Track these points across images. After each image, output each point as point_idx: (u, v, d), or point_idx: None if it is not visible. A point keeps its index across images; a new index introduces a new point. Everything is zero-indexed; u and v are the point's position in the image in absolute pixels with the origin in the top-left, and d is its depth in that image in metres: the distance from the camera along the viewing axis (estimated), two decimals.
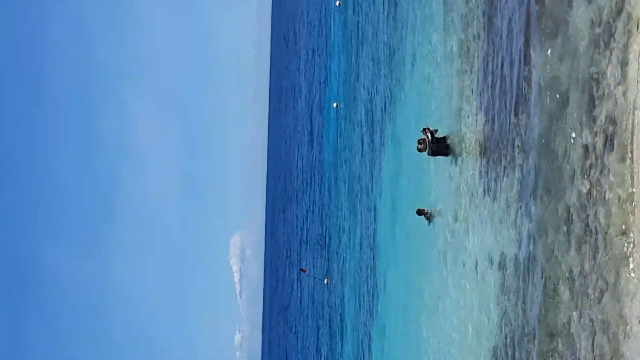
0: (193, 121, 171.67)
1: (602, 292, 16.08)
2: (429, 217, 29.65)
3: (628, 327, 14.98)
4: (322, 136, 59.94)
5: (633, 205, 15.16)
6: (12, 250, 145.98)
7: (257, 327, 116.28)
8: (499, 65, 22.48)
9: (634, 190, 15.18)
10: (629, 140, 15.44)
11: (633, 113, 15.30)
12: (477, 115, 24.38)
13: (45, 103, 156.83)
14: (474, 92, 24.76)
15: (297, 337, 68.07)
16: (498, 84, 22.48)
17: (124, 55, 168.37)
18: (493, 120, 22.81)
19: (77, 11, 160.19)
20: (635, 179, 15.14)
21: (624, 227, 15.45)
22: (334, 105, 54.33)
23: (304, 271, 63.22)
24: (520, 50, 20.93)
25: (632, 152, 15.32)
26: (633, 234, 15.12)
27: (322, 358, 53.94)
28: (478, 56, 24.53)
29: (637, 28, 15.33)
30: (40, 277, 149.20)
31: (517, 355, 20.45)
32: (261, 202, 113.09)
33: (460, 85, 26.24)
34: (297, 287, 69.47)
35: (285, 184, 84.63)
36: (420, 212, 30.07)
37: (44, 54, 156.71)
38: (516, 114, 21.05)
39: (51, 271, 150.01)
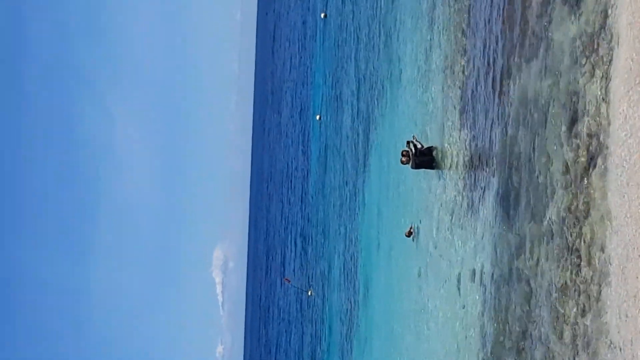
0: (175, 129, 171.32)
1: (584, 308, 16.19)
2: (412, 231, 29.66)
3: (608, 340, 15.11)
4: (306, 147, 59.98)
5: (611, 221, 15.30)
6: None
7: (239, 339, 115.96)
8: (482, 80, 22.62)
9: (611, 203, 15.32)
10: (609, 156, 15.60)
11: (612, 131, 15.46)
12: (460, 129, 24.50)
13: (26, 107, 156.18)
14: (457, 107, 24.90)
15: (280, 350, 67.95)
16: (481, 99, 22.61)
17: (106, 59, 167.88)
18: (476, 135, 22.93)
19: (59, 16, 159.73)
20: (615, 199, 15.28)
21: (603, 242, 15.59)
22: (317, 117, 54.42)
23: (288, 281, 63.11)
24: (503, 66, 21.08)
25: (612, 172, 15.47)
26: (611, 249, 15.26)
27: None
28: (462, 72, 24.67)
29: (618, 44, 15.49)
30: (20, 282, 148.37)
31: None
32: (244, 213, 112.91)
33: (444, 100, 26.36)
34: (280, 299, 69.37)
35: (269, 196, 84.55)
36: (409, 234, 30.02)
37: (25, 57, 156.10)
38: (499, 130, 21.18)
39: (31, 276, 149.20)
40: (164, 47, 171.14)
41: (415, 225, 29.41)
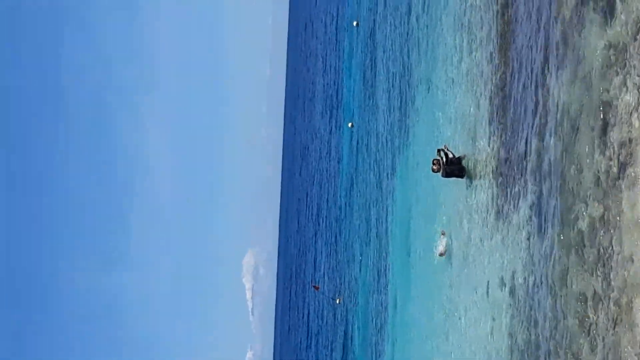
0: (206, 137, 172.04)
1: (615, 318, 16.11)
2: (445, 250, 29.53)
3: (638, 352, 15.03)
4: (337, 154, 60.09)
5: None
6: (29, 260, 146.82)
7: (269, 345, 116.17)
8: (514, 89, 22.59)
9: None
10: None
11: None
12: (491, 138, 24.47)
13: (63, 117, 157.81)
14: (488, 116, 24.87)
15: (309, 357, 67.99)
16: (512, 107, 22.59)
17: (140, 70, 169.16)
18: (506, 144, 22.89)
19: (95, 29, 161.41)
20: None
21: (633, 252, 15.52)
22: (350, 125, 54.46)
23: (317, 288, 63.22)
24: (535, 75, 21.03)
25: None
26: None
27: None
28: (493, 80, 24.64)
29: None
30: (56, 287, 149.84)
31: None
32: (274, 220, 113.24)
33: (475, 109, 26.34)
34: (310, 305, 69.44)
35: (299, 203, 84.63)
36: (441, 254, 29.92)
37: (64, 69, 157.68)
38: (530, 138, 21.14)
39: (67, 282, 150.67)
40: (197, 57, 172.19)
41: (447, 235, 29.34)
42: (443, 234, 29.78)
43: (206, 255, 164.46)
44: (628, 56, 16.41)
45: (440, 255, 29.76)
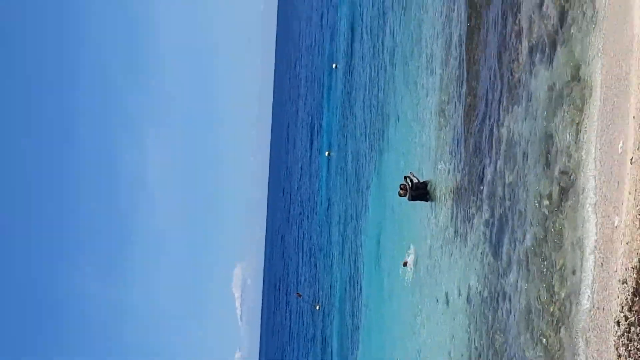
0: (200, 162, 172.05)
1: (557, 322, 16.27)
2: (407, 261, 29.67)
3: (579, 346, 15.18)
4: (317, 178, 60.16)
5: (583, 248, 15.42)
6: (43, 271, 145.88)
7: (255, 347, 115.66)
8: (472, 124, 22.81)
9: (583, 232, 15.45)
10: (578, 190, 15.75)
11: (585, 166, 15.62)
12: (451, 166, 24.66)
13: (74, 144, 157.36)
14: (449, 147, 25.06)
15: (292, 356, 67.75)
16: (471, 139, 22.80)
17: (144, 101, 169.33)
18: (465, 171, 23.09)
19: (104, 61, 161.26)
20: (585, 228, 15.42)
21: (574, 266, 15.71)
22: (327, 153, 54.58)
23: (299, 296, 63.01)
24: (492, 110, 21.25)
25: (580, 204, 15.62)
26: (583, 272, 15.37)
27: None
28: (454, 114, 24.86)
29: (590, 92, 15.68)
30: (67, 293, 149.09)
31: None
32: (261, 236, 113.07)
33: (438, 141, 26.53)
34: (292, 312, 69.29)
35: (283, 221, 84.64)
36: (405, 264, 30.07)
37: (74, 99, 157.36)
38: (485, 167, 21.34)
39: (76, 289, 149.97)
40: (194, 91, 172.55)
41: (411, 251, 29.43)
42: (407, 258, 29.92)
43: (200, 268, 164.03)
44: (568, 95, 16.69)
45: (405, 265, 29.88)
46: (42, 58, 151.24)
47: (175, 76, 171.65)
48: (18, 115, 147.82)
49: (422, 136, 28.68)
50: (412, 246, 29.25)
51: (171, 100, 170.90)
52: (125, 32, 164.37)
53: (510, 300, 18.86)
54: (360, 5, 45.09)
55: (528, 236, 18.05)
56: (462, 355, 22.28)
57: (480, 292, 21.06)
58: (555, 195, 16.76)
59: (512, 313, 18.71)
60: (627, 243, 13.48)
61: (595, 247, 14.91)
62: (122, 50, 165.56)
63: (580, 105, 16.06)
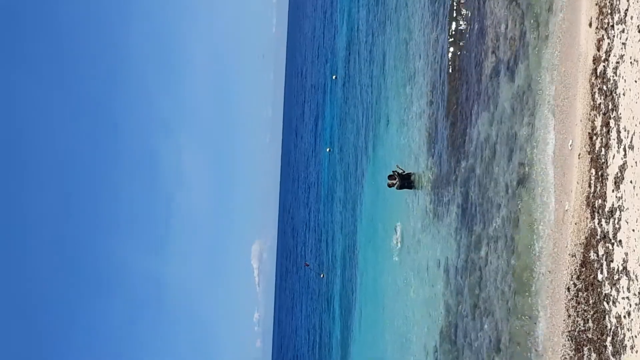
0: (225, 154, 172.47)
1: (519, 290, 16.41)
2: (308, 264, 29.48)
3: (536, 308, 15.29)
4: (319, 167, 60.14)
5: (539, 227, 15.55)
6: (97, 250, 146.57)
7: (270, 308, 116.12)
8: (448, 125, 22.87)
9: (539, 214, 15.59)
10: (536, 180, 15.88)
11: (541, 160, 15.74)
12: (430, 160, 24.72)
13: (125, 144, 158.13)
14: (430, 144, 25.11)
15: (301, 316, 67.93)
16: (448, 138, 22.85)
17: (177, 107, 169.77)
18: (443, 164, 23.16)
19: (146, 75, 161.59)
20: (541, 211, 15.55)
21: (532, 242, 15.85)
22: (327, 149, 54.48)
23: (307, 265, 62.82)
24: (464, 115, 21.32)
25: (537, 191, 15.75)
26: (539, 246, 15.51)
27: (317, 330, 53.94)
28: (433, 118, 24.90)
29: (544, 100, 15.79)
30: (116, 270, 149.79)
31: (458, 334, 20.69)
32: (275, 216, 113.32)
33: (420, 139, 26.55)
34: (301, 280, 69.40)
35: (292, 203, 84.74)
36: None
37: (116, 106, 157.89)
38: (458, 160, 21.42)
39: (124, 265, 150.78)
40: (219, 100, 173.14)
41: (398, 228, 29.46)
42: (395, 230, 29.97)
43: (226, 244, 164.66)
44: (525, 101, 16.80)
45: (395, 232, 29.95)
46: (96, 74, 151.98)
47: (203, 87, 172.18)
48: (82, 124, 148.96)
49: (407, 135, 28.70)
50: (399, 224, 29.30)
51: (200, 106, 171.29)
52: (161, 50, 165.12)
53: (480, 270, 18.99)
54: (357, 29, 45.09)
55: (494, 218, 18.18)
56: (440, 313, 22.42)
57: (454, 263, 21.18)
58: (515, 184, 16.89)
59: (482, 281, 18.84)
60: (575, 224, 13.60)
61: (549, 226, 15.04)
62: (160, 65, 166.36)
63: (537, 111, 16.18)
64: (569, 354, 13.34)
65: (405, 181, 27.16)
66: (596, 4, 13.32)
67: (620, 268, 11.76)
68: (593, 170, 12.99)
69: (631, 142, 11.69)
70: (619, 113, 12.14)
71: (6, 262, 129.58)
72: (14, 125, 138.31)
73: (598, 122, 12.91)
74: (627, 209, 11.71)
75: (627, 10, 12.12)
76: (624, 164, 11.90)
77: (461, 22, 22.04)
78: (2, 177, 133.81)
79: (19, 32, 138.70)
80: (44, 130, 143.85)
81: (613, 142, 12.26)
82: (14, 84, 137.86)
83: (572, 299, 13.37)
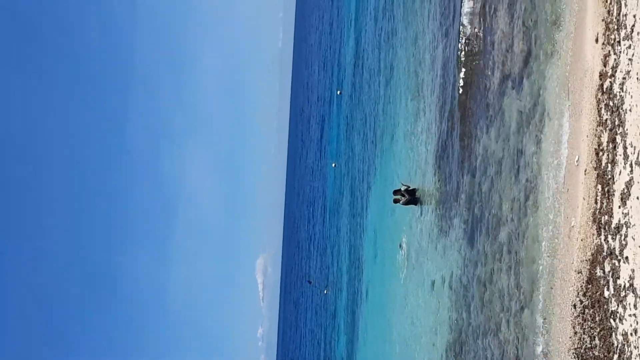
0: (231, 168, 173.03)
1: (525, 306, 16.29)
2: (311, 281, 29.46)
3: (539, 324, 15.16)
4: (324, 183, 60.10)
5: (545, 244, 15.46)
6: (98, 256, 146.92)
7: (274, 324, 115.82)
8: (453, 140, 22.84)
9: (545, 230, 15.49)
10: (542, 196, 15.81)
11: (547, 176, 15.68)
12: (436, 175, 24.67)
13: (131, 153, 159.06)
14: (435, 160, 25.07)
15: (305, 331, 67.73)
16: (454, 154, 22.82)
17: (184, 117, 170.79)
18: (449, 180, 23.10)
19: (154, 85, 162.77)
20: (547, 227, 15.46)
21: (534, 257, 15.75)
22: (333, 164, 54.43)
23: (310, 283, 62.73)
24: (470, 130, 21.30)
25: (544, 207, 15.67)
26: (544, 263, 15.41)
27: (322, 345, 53.71)
28: (438, 134, 24.88)
29: (550, 115, 15.74)
30: (119, 275, 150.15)
31: (463, 351, 20.54)
32: (279, 232, 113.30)
33: (425, 154, 26.53)
34: (305, 295, 69.23)
35: (297, 219, 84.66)
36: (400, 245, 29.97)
37: (126, 118, 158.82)
38: (465, 176, 21.37)
39: (126, 272, 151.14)
40: (227, 113, 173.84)
41: (404, 243, 29.37)
42: (400, 246, 29.87)
43: (230, 259, 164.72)
44: (532, 117, 16.75)
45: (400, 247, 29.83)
46: (107, 86, 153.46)
47: (210, 98, 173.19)
48: (92, 135, 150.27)
49: (413, 150, 28.66)
50: (404, 239, 29.22)
51: (206, 117, 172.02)
52: (171, 61, 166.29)
53: (485, 286, 18.88)
54: (363, 43, 45.17)
55: (500, 233, 18.09)
56: (446, 329, 22.29)
57: (459, 278, 21.07)
58: (522, 200, 16.81)
59: (487, 297, 18.73)
60: (581, 240, 13.52)
61: (556, 242, 14.94)
62: (168, 78, 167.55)
63: (543, 126, 16.13)
64: None
65: (411, 197, 27.12)
66: (602, 20, 13.32)
67: (627, 285, 11.67)
68: (599, 186, 12.93)
69: (638, 158, 11.64)
70: (625, 129, 12.10)
71: (19, 267, 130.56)
72: (25, 133, 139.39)
73: (604, 138, 12.86)
74: (634, 225, 11.64)
75: (633, 26, 12.10)
76: (630, 180, 11.84)
77: (468, 38, 22.06)
78: (17, 185, 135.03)
79: (35, 43, 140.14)
80: (55, 137, 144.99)
81: (619, 158, 12.20)
82: (28, 96, 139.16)
83: (579, 316, 13.26)
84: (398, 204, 27.89)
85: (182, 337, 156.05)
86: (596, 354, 12.50)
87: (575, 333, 13.30)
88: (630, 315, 11.53)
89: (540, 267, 15.55)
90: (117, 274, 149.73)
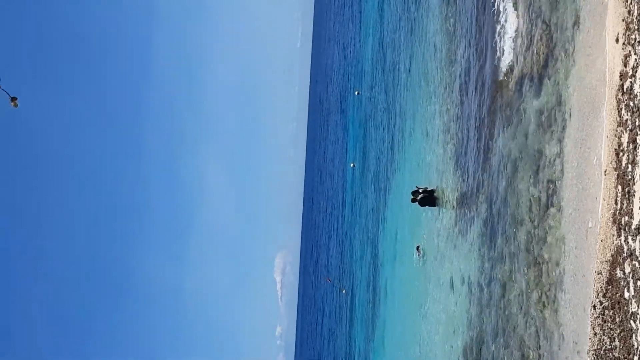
0: (248, 170, 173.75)
1: (544, 307, 16.18)
2: (419, 250, 29.60)
3: (562, 325, 15.06)
4: (343, 183, 60.11)
5: (565, 244, 15.35)
6: (119, 257, 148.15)
7: (292, 323, 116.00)
8: (472, 140, 22.75)
9: (564, 231, 15.38)
10: (561, 196, 15.68)
11: (566, 177, 15.55)
12: (454, 176, 24.61)
13: (150, 157, 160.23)
14: (453, 160, 25.02)
15: (322, 330, 67.81)
16: (471, 154, 22.74)
17: (201, 122, 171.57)
18: (466, 181, 23.03)
19: (173, 92, 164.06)
20: (566, 227, 15.35)
21: (558, 259, 15.63)
22: (352, 165, 54.44)
23: (329, 280, 62.77)
24: (488, 130, 21.21)
25: (564, 207, 15.55)
26: (563, 263, 15.30)
27: (340, 343, 53.75)
28: (457, 133, 24.81)
29: (570, 115, 15.61)
30: (138, 276, 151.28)
31: (481, 351, 20.47)
32: (298, 231, 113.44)
33: (444, 155, 26.47)
34: (323, 294, 69.30)
35: (316, 219, 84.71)
36: (417, 248, 30.08)
37: (144, 121, 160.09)
38: (483, 177, 21.28)
39: (145, 272, 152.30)
40: (243, 117, 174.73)
41: (422, 245, 29.36)
42: (417, 248, 29.87)
43: (248, 257, 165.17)
44: (553, 117, 16.61)
45: (417, 250, 29.82)
46: (124, 92, 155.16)
47: (228, 101, 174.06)
48: (110, 143, 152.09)
49: (432, 151, 28.62)
50: (423, 240, 29.18)
51: (224, 121, 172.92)
52: (188, 68, 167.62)
53: (504, 286, 18.79)
54: (382, 43, 45.09)
55: (518, 234, 17.98)
56: (464, 330, 22.22)
57: (478, 279, 20.99)
58: (542, 200, 16.69)
59: (504, 297, 18.63)
60: (601, 241, 13.40)
61: (575, 244, 14.83)
62: (185, 83, 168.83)
63: (563, 127, 15.99)
64: None
65: (428, 198, 27.10)
66: (622, 20, 13.19)
67: None
68: (619, 187, 12.81)
69: None
70: None
71: (37, 269, 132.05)
72: (45, 141, 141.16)
73: (624, 138, 12.74)
74: None
75: None
76: None
77: (487, 37, 21.96)
78: (37, 189, 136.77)
79: (57, 56, 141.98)
80: (80, 143, 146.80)
81: None
82: (57, 106, 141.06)
83: (598, 317, 13.15)
84: (416, 203, 27.90)
85: (200, 336, 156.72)
86: (616, 355, 12.38)
87: (595, 334, 13.19)
88: None
89: (559, 268, 15.43)
90: (136, 274, 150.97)
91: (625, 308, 12.24)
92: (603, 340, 12.88)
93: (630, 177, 12.45)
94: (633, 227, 12.20)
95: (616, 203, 12.92)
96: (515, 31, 19.33)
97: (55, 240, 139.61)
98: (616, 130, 13.13)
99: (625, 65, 12.97)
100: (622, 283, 12.46)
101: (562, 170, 15.80)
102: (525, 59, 18.50)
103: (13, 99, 5.32)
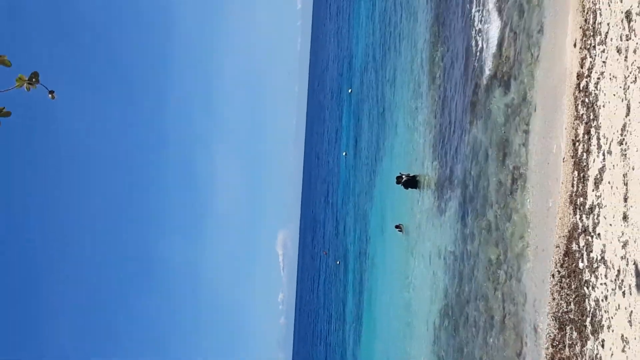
0: (254, 158, 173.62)
1: (510, 276, 16.27)
2: (402, 229, 29.64)
3: (523, 290, 15.13)
4: (336, 171, 60.15)
5: (528, 221, 15.41)
6: (140, 243, 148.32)
7: (293, 290, 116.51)
8: (449, 132, 22.76)
9: (527, 210, 15.44)
10: (526, 180, 15.73)
11: (530, 162, 15.59)
12: (433, 162, 24.63)
13: (168, 154, 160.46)
14: (432, 149, 25.03)
15: (319, 296, 68.01)
16: (448, 144, 22.76)
17: (212, 122, 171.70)
18: (444, 166, 23.06)
19: (187, 97, 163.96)
20: (530, 207, 15.41)
21: (522, 234, 15.71)
22: (344, 153, 54.45)
23: (326, 253, 62.82)
24: (461, 123, 21.21)
25: (528, 189, 15.60)
26: (527, 238, 15.37)
27: (334, 307, 53.95)
28: (435, 125, 24.81)
29: (534, 110, 15.63)
30: (158, 258, 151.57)
31: (455, 314, 20.59)
32: (297, 209, 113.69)
33: (423, 144, 26.47)
34: (320, 265, 69.48)
35: (313, 198, 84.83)
36: (397, 227, 30.12)
37: (162, 119, 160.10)
38: (457, 163, 21.31)
39: (164, 253, 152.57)
40: (249, 118, 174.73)
41: (404, 223, 29.42)
42: (399, 227, 29.92)
43: (254, 233, 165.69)
44: (518, 111, 16.63)
45: (397, 228, 29.87)
46: (147, 99, 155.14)
47: (235, 102, 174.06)
48: (132, 138, 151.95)
49: (414, 141, 28.62)
50: (406, 218, 29.22)
51: (232, 119, 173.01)
52: (199, 75, 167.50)
53: (475, 257, 18.88)
54: (371, 47, 44.96)
55: (488, 213, 18.05)
56: (440, 295, 22.33)
57: (453, 252, 21.08)
58: (509, 184, 16.75)
59: (475, 268, 18.73)
60: (559, 219, 13.47)
61: (537, 221, 14.90)
62: (199, 88, 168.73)
63: (528, 120, 16.02)
64: (553, 332, 13.24)
65: (411, 181, 27.11)
66: (580, 27, 13.20)
67: (599, 258, 11.64)
68: (576, 172, 12.87)
69: (609, 148, 11.57)
70: (599, 122, 12.02)
71: (57, 257, 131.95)
72: (84, 142, 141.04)
73: (580, 130, 12.79)
74: (605, 206, 11.59)
75: (607, 32, 11.99)
76: (602, 167, 11.78)
77: (464, 44, 21.92)
78: (60, 182, 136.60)
79: (83, 61, 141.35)
80: (105, 142, 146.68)
81: (593, 148, 12.14)
82: (87, 111, 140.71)
83: (557, 284, 13.25)
84: (399, 185, 27.94)
85: (213, 302, 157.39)
86: (571, 317, 12.50)
87: (554, 299, 13.30)
88: (601, 283, 11.52)
89: (523, 242, 15.52)
90: (155, 254, 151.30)
91: (580, 276, 12.34)
92: (560, 304, 12.99)
93: (585, 163, 12.51)
94: (587, 207, 12.27)
95: (573, 186, 12.99)
96: (489, 37, 19.30)
97: (83, 229, 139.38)
98: (574, 123, 13.18)
99: (581, 67, 12.99)
100: (577, 255, 12.55)
101: (526, 158, 15.85)
102: (496, 61, 18.49)
103: (51, 92, 5.32)
